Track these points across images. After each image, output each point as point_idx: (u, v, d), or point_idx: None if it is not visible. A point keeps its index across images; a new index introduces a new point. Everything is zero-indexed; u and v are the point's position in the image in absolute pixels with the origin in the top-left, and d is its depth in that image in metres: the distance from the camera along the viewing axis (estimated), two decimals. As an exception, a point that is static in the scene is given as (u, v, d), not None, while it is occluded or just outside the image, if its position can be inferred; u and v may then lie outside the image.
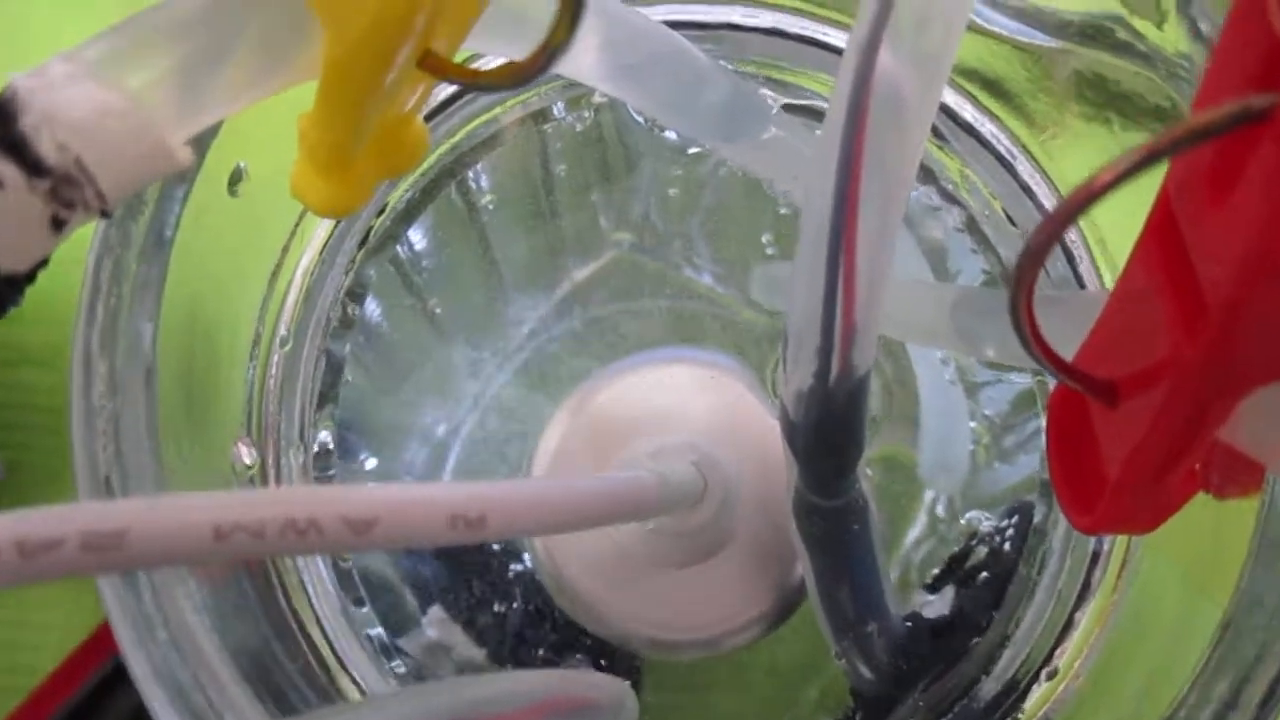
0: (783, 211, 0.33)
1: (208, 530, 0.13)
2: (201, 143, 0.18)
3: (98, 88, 0.14)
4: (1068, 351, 0.17)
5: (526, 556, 0.29)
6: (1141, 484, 0.17)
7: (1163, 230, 0.15)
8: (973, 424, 0.30)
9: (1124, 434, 0.17)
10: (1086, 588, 0.21)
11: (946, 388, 0.30)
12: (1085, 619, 0.20)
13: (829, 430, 0.20)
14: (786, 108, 0.25)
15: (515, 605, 0.29)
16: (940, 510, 0.32)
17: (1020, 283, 0.15)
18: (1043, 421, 0.25)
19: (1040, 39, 0.19)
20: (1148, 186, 0.14)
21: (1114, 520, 0.17)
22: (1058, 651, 0.21)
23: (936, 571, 0.28)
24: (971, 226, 0.24)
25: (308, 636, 0.21)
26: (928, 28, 0.17)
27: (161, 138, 0.14)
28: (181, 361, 0.18)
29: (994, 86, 0.21)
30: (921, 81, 0.17)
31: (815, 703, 0.32)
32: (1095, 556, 0.21)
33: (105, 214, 0.14)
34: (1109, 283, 0.22)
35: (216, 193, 0.18)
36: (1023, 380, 0.29)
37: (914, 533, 0.30)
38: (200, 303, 0.19)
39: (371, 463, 0.30)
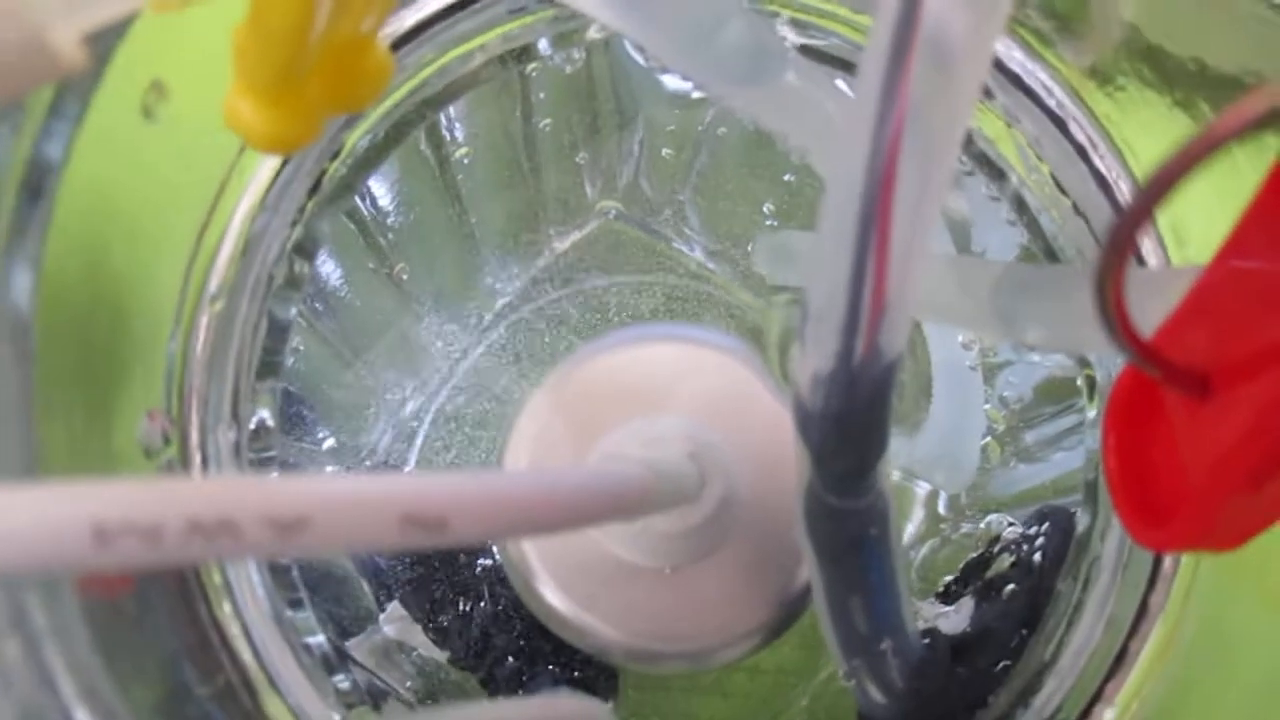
0: (787, 178, 0.30)
1: (84, 530, 0.10)
2: (102, 44, 0.14)
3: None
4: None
5: (495, 549, 0.26)
6: (1233, 494, 0.14)
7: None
8: (987, 406, 0.27)
9: (1213, 434, 0.14)
10: (1143, 613, 0.18)
11: (964, 373, 0.27)
12: (1145, 650, 0.18)
13: (850, 422, 0.18)
14: (804, 51, 0.22)
15: (482, 604, 0.26)
16: (942, 508, 0.30)
17: (1113, 252, 0.12)
18: (1082, 416, 0.22)
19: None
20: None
21: (1192, 536, 0.15)
22: (1109, 685, 0.18)
23: (950, 579, 0.25)
24: (1010, 194, 0.21)
25: (230, 651, 0.18)
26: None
27: (38, 27, 0.11)
28: (74, 319, 0.15)
29: (1051, 28, 0.18)
30: (975, 22, 0.15)
31: (805, 711, 0.30)
32: (1154, 576, 0.18)
33: (-35, 124, 0.11)
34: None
35: (126, 113, 0.15)
36: (1048, 364, 0.26)
37: (909, 529, 0.28)
38: (104, 249, 0.15)
39: (329, 442, 0.28)
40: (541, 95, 0.26)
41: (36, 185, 0.14)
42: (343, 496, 0.12)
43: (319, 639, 0.22)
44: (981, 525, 0.26)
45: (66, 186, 0.14)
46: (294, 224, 0.20)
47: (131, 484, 0.11)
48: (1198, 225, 0.17)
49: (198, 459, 0.18)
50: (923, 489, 0.29)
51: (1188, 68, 0.17)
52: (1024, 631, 0.20)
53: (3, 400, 0.13)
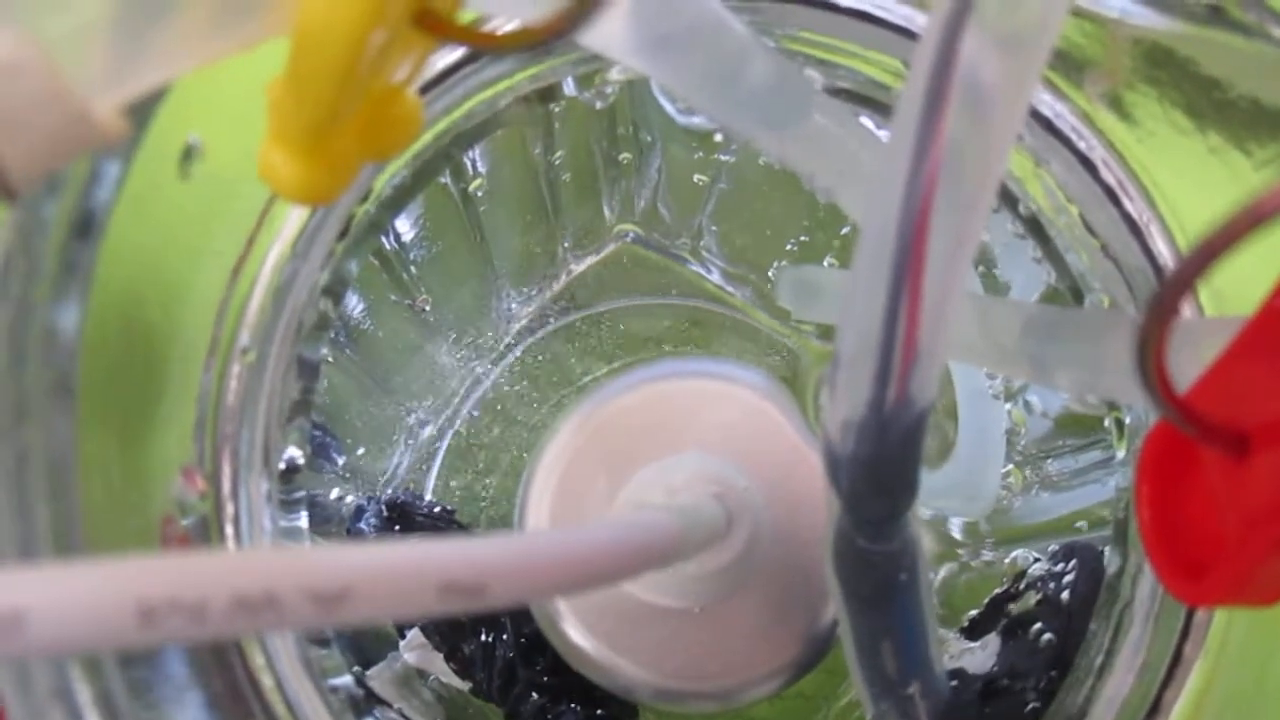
0: (814, 208, 0.30)
1: (129, 609, 0.10)
2: (142, 112, 0.15)
3: (2, 33, 0.11)
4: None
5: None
6: (1269, 553, 0.14)
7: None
8: (1008, 420, 0.27)
9: (1250, 492, 0.14)
10: (1177, 662, 0.18)
11: (987, 401, 0.27)
12: (1180, 701, 0.17)
13: (880, 468, 0.17)
14: (832, 92, 0.22)
15: (505, 636, 0.26)
16: (957, 533, 0.29)
17: (1155, 322, 0.12)
18: (1111, 454, 0.22)
19: (1153, 19, 0.16)
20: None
21: (1228, 591, 0.15)
22: (1143, 738, 0.18)
23: (975, 613, 0.25)
24: (1038, 232, 0.21)
25: (263, 701, 0.18)
26: (1021, 6, 0.15)
27: (81, 103, 0.11)
28: (112, 375, 0.15)
29: (1080, 73, 0.18)
30: (1011, 69, 0.15)
31: (826, 734, 0.30)
32: (1188, 624, 0.18)
33: (10, 194, 0.11)
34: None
35: (163, 173, 0.15)
36: (1066, 398, 0.26)
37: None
38: (140, 305, 0.16)
39: (350, 469, 0.28)
40: (564, 129, 0.26)
41: (77, 245, 0.14)
42: (383, 567, 0.12)
43: (345, 679, 0.21)
44: (1006, 560, 0.26)
45: (106, 246, 0.14)
46: (323, 268, 0.20)
47: (176, 561, 0.11)
48: (1231, 275, 0.17)
49: (230, 509, 0.18)
50: (929, 513, 0.29)
51: (1223, 114, 0.17)
52: (1053, 673, 0.20)
53: (47, 458, 0.13)
